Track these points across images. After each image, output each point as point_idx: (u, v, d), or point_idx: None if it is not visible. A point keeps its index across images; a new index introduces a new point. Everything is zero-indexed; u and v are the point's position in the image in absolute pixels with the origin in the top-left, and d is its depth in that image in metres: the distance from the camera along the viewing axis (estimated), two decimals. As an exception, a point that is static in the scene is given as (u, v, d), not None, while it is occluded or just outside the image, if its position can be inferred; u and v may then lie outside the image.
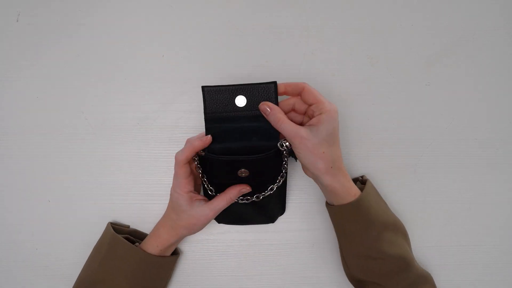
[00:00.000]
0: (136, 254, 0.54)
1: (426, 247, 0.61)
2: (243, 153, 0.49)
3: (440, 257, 0.61)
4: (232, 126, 0.51)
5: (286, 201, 0.61)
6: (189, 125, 0.62)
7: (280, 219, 0.61)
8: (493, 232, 0.62)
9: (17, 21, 0.63)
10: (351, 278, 0.57)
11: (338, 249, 0.61)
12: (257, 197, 0.54)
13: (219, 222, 0.61)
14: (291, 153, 0.51)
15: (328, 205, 0.55)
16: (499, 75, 0.63)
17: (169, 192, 0.55)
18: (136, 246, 0.55)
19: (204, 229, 0.61)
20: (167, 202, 0.56)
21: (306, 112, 0.53)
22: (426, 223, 0.61)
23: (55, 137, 0.62)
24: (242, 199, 0.54)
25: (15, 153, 0.62)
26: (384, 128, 0.62)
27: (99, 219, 0.58)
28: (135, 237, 0.58)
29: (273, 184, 0.53)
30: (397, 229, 0.54)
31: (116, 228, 0.57)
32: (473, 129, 0.62)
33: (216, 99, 0.51)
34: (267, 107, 0.50)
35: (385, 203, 0.56)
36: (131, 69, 0.62)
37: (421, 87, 0.62)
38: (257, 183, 0.53)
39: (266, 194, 0.54)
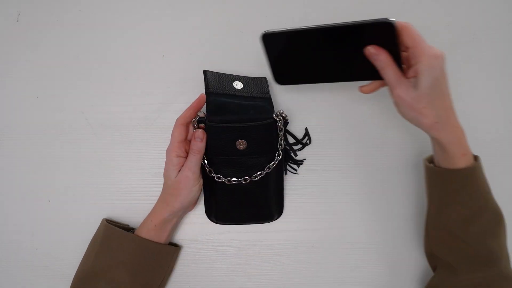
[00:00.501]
0: (132, 241, 0.54)
1: (426, 247, 0.61)
2: (241, 125, 0.53)
3: (440, 257, 0.61)
4: (231, 101, 0.55)
5: (286, 201, 0.61)
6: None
7: (280, 219, 0.61)
8: (493, 232, 0.62)
9: (17, 21, 0.63)
10: (427, 249, 0.54)
11: (339, 249, 0.61)
12: (254, 177, 0.56)
13: (217, 222, 0.61)
14: (286, 124, 0.58)
15: (428, 164, 0.51)
16: (499, 75, 0.63)
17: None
18: (132, 233, 0.55)
19: (204, 229, 0.61)
20: (167, 202, 0.56)
21: (402, 56, 0.46)
22: (426, 223, 0.61)
23: (55, 137, 0.62)
24: (240, 179, 0.56)
25: (15, 153, 0.62)
26: (384, 128, 0.62)
27: (99, 219, 0.58)
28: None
29: (270, 164, 0.56)
30: (500, 222, 0.49)
31: (113, 224, 0.57)
32: (473, 129, 0.62)
33: (216, 80, 0.57)
34: (373, 49, 0.45)
35: (490, 189, 0.50)
36: (131, 69, 0.62)
37: (421, 87, 0.62)
38: (255, 162, 0.55)
39: (264, 174, 0.56)
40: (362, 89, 0.51)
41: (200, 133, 0.54)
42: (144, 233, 0.55)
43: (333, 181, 0.61)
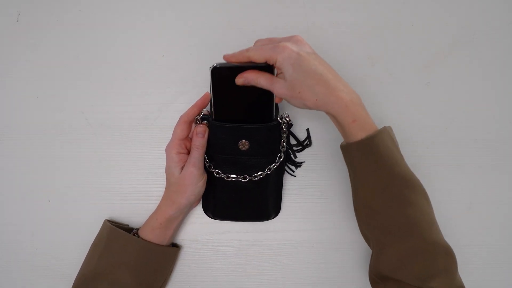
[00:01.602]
0: (136, 243, 0.54)
1: (426, 247, 0.61)
2: (245, 126, 0.53)
3: (440, 257, 0.61)
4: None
5: (287, 201, 0.61)
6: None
7: (280, 219, 0.61)
8: (493, 232, 0.62)
9: (17, 21, 0.63)
10: (361, 232, 0.53)
11: (339, 249, 0.61)
12: (254, 176, 0.55)
13: (214, 217, 0.61)
14: (290, 127, 0.58)
15: (341, 146, 0.52)
16: (499, 75, 0.63)
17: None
18: (136, 232, 0.56)
19: (204, 229, 0.61)
20: (167, 202, 0.56)
21: None
22: (426, 223, 0.61)
23: (55, 137, 0.62)
24: (239, 177, 0.56)
25: (15, 153, 0.62)
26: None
27: (99, 219, 0.58)
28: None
29: (271, 165, 0.56)
30: (414, 187, 0.47)
31: (114, 225, 0.57)
32: (473, 129, 0.62)
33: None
34: (240, 79, 0.50)
35: (402, 156, 0.50)
36: (131, 69, 0.62)
37: (421, 87, 0.62)
38: (256, 163, 0.55)
39: (264, 174, 0.56)
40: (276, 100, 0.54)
41: (201, 128, 0.54)
42: (149, 232, 0.55)
43: (333, 181, 0.61)
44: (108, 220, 0.58)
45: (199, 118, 0.55)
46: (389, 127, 0.51)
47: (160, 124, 0.62)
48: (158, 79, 0.62)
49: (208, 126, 0.55)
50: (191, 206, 0.58)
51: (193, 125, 0.56)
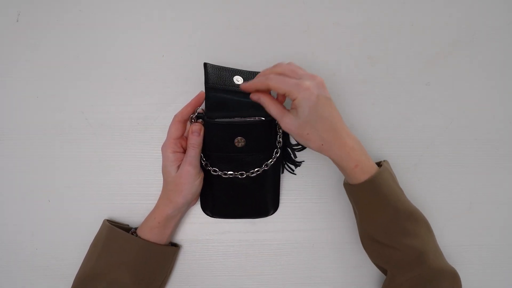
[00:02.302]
0: (135, 243, 0.54)
1: (426, 247, 0.61)
2: (240, 122, 0.54)
3: (440, 257, 0.61)
4: (230, 98, 0.54)
5: (287, 201, 0.61)
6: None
7: (280, 219, 0.61)
8: (493, 232, 0.62)
9: (17, 21, 0.63)
10: (372, 260, 0.56)
11: (339, 249, 0.61)
12: (251, 173, 0.56)
13: (213, 216, 0.61)
14: None
15: (344, 184, 0.55)
16: (499, 75, 0.63)
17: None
18: (134, 231, 0.56)
19: (204, 229, 0.61)
20: (167, 202, 0.56)
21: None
22: (426, 223, 0.61)
23: (55, 137, 0.62)
24: (236, 174, 0.56)
25: (15, 153, 0.62)
26: (384, 128, 0.62)
27: (99, 219, 0.58)
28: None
29: (268, 161, 0.56)
30: (416, 220, 0.51)
31: (113, 224, 0.57)
32: (473, 129, 0.62)
33: (216, 74, 0.56)
34: (255, 96, 0.51)
35: (402, 191, 0.53)
36: (131, 69, 0.62)
37: (421, 87, 0.62)
38: (253, 159, 0.55)
39: (261, 171, 0.56)
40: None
41: (197, 127, 0.54)
42: (147, 231, 0.55)
43: (333, 181, 0.61)
44: (107, 220, 0.58)
45: (194, 116, 0.55)
46: (386, 162, 0.55)
47: (160, 124, 0.62)
48: (158, 79, 0.62)
49: (203, 125, 0.55)
50: (188, 205, 0.58)
51: (188, 124, 0.56)
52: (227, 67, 0.58)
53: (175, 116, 0.55)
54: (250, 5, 0.63)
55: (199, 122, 0.55)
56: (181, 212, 0.57)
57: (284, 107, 0.50)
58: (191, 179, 0.54)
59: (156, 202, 0.57)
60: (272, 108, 0.50)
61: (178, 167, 0.54)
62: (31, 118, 0.62)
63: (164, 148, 0.55)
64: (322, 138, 0.49)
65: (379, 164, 0.54)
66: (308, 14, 0.63)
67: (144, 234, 0.55)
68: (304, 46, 0.63)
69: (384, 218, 0.51)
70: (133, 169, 0.62)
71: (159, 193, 0.57)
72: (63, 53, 0.63)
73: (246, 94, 0.55)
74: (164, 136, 0.60)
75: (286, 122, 0.49)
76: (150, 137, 0.62)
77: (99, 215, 0.60)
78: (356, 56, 0.63)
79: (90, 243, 0.57)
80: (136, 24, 0.63)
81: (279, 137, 0.57)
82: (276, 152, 0.57)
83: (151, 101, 0.62)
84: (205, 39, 0.63)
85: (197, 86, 0.61)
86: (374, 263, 0.56)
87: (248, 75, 0.58)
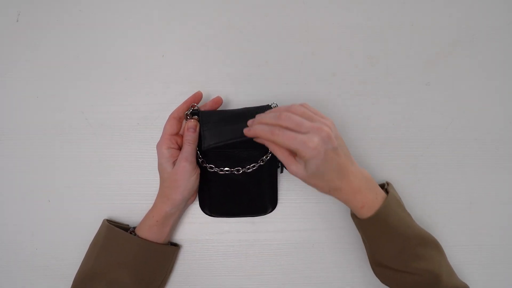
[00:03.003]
0: (134, 242, 0.54)
1: (426, 247, 0.61)
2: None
3: (440, 257, 0.61)
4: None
5: (286, 201, 0.61)
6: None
7: (280, 219, 0.61)
8: (493, 232, 0.62)
9: (17, 21, 0.63)
10: (382, 282, 0.57)
11: (339, 249, 0.61)
12: (247, 168, 0.56)
13: (211, 214, 0.61)
14: None
15: (351, 215, 0.56)
16: (499, 75, 0.63)
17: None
18: (133, 230, 0.56)
19: (204, 229, 0.61)
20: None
21: None
22: (426, 223, 0.61)
23: (55, 137, 0.62)
24: (233, 170, 0.56)
25: (15, 153, 0.62)
26: (384, 128, 0.62)
27: (99, 219, 0.58)
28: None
29: (263, 157, 0.57)
30: (426, 243, 0.52)
31: (113, 224, 0.57)
32: (473, 129, 0.62)
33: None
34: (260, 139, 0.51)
35: (409, 216, 0.54)
36: (131, 69, 0.62)
37: (421, 87, 0.62)
38: (249, 155, 0.56)
39: (257, 166, 0.56)
40: None
41: (192, 123, 0.54)
42: (146, 230, 0.55)
43: (333, 181, 0.61)
44: (107, 220, 0.58)
45: (189, 113, 0.55)
46: (390, 185, 0.56)
47: (160, 124, 0.61)
48: (158, 79, 0.62)
49: (198, 121, 0.55)
50: (186, 202, 0.58)
51: (184, 121, 0.56)
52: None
53: (171, 113, 0.55)
54: (250, 5, 0.63)
55: (195, 119, 0.55)
56: (179, 210, 0.57)
57: (291, 154, 0.49)
58: (187, 175, 0.54)
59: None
60: (279, 154, 0.50)
61: (174, 163, 0.54)
62: (31, 118, 0.62)
63: (159, 145, 0.55)
64: (329, 186, 0.50)
65: (382, 186, 0.56)
66: (308, 14, 0.63)
67: (142, 233, 0.55)
68: (304, 46, 0.63)
69: (395, 247, 0.51)
70: (133, 169, 0.62)
71: (159, 193, 0.57)
72: (63, 53, 0.63)
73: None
74: (164, 136, 0.60)
75: (293, 170, 0.49)
76: (150, 137, 0.62)
77: (99, 215, 0.60)
78: (356, 56, 0.63)
79: (90, 243, 0.57)
80: (136, 24, 0.63)
81: None
82: None
83: (151, 101, 0.62)
84: (205, 39, 0.63)
85: (197, 86, 0.61)
86: (385, 284, 0.56)
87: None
